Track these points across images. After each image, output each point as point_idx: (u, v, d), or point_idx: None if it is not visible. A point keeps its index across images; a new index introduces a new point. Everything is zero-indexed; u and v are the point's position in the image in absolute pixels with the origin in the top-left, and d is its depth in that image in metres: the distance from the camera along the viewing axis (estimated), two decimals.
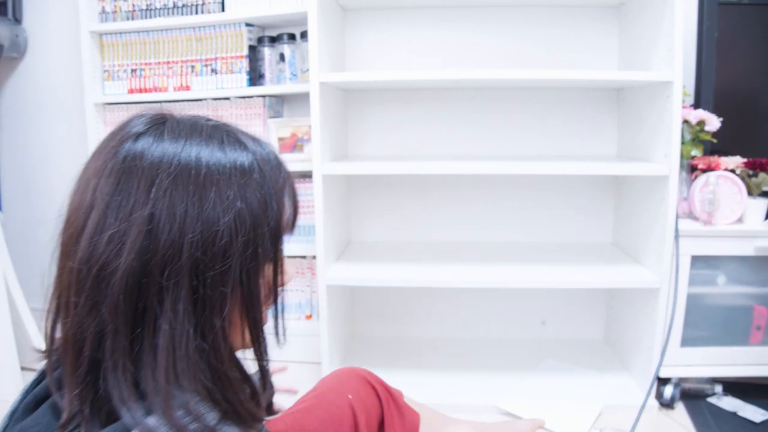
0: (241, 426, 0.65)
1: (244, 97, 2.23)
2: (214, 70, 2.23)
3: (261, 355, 0.72)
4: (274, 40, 2.22)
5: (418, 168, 1.88)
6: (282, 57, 2.21)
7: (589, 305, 2.33)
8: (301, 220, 2.21)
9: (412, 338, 2.39)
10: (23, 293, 2.13)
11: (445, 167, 1.87)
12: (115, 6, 2.29)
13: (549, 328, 2.36)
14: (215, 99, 2.25)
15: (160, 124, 0.68)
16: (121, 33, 2.30)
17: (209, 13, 2.20)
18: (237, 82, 2.21)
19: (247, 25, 2.19)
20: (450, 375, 2.07)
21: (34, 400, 0.71)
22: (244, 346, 0.71)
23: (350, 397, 1.18)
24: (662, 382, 1.89)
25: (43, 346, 0.71)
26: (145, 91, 2.30)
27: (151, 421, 0.59)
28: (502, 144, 2.25)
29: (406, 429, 1.27)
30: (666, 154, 1.78)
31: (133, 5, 2.27)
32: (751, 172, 1.88)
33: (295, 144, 2.21)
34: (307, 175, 2.17)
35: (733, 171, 1.86)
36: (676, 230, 1.80)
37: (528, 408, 1.84)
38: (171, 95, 2.27)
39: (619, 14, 2.15)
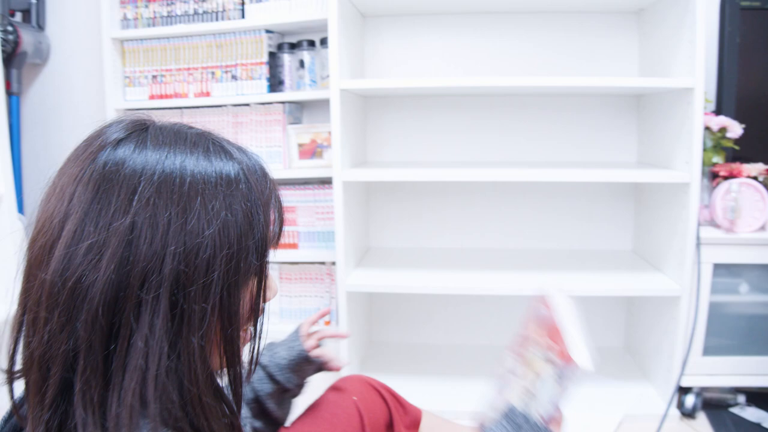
0: None
1: (263, 104, 2.23)
2: (234, 77, 2.24)
3: (235, 379, 0.68)
4: (293, 46, 2.24)
5: (438, 175, 1.88)
6: (302, 63, 2.22)
7: (609, 313, 2.31)
8: (320, 226, 2.23)
9: (430, 345, 2.38)
10: None
11: (464, 174, 1.87)
12: (136, 13, 2.31)
13: None
14: (235, 105, 2.26)
15: (142, 130, 0.66)
16: (142, 39, 2.32)
17: (229, 19, 2.21)
18: (257, 89, 2.22)
19: (267, 31, 2.20)
20: (467, 382, 2.06)
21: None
22: (221, 367, 0.67)
23: (355, 398, 1.19)
24: (683, 391, 1.87)
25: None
26: (166, 97, 2.32)
27: None
28: (521, 151, 2.25)
29: (409, 423, 1.29)
30: (687, 161, 1.76)
31: (154, 12, 2.29)
32: None
33: (315, 150, 2.22)
34: (326, 182, 2.18)
35: (755, 178, 1.84)
36: (698, 238, 1.78)
37: None
38: (191, 101, 2.29)
39: (639, 20, 2.14)
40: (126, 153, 0.62)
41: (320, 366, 1.21)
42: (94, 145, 0.64)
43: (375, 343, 2.40)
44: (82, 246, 0.58)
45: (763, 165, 1.86)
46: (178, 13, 2.27)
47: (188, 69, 2.29)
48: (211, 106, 2.28)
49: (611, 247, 2.28)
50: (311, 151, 2.22)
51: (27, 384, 0.61)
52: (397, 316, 2.40)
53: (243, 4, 2.20)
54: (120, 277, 0.58)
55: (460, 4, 2.13)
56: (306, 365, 1.17)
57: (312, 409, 1.17)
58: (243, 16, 2.21)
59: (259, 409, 1.14)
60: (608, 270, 2.02)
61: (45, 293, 0.59)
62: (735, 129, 1.88)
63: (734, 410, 1.89)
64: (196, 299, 0.60)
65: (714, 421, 1.83)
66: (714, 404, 1.92)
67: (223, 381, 0.67)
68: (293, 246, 2.27)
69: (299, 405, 1.20)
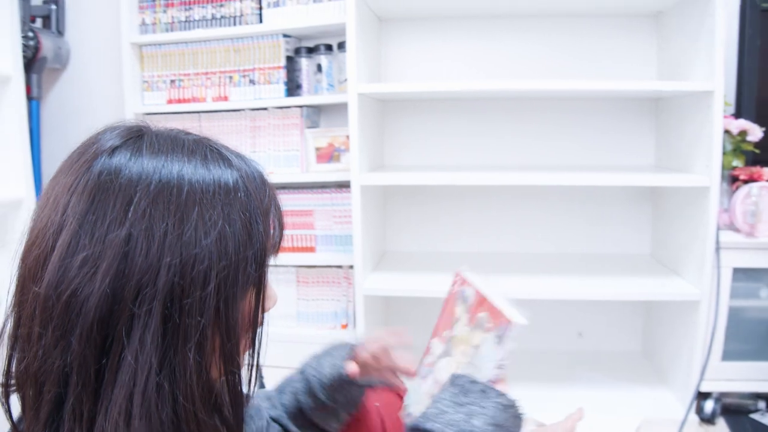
0: None
1: (281, 108, 2.25)
2: (252, 81, 2.25)
3: (235, 394, 0.65)
4: (311, 50, 2.25)
5: (454, 178, 1.88)
6: (319, 67, 2.23)
7: (626, 317, 2.30)
8: (337, 229, 2.23)
9: None
10: None
11: (481, 178, 1.87)
12: (154, 18, 2.33)
13: (586, 339, 2.33)
14: (253, 109, 2.27)
15: (138, 137, 0.63)
16: (160, 44, 2.34)
17: (247, 24, 2.23)
18: (275, 93, 2.23)
19: (285, 36, 2.21)
20: None
21: None
22: (220, 379, 0.64)
23: (377, 404, 1.18)
24: (702, 396, 1.86)
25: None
26: (184, 101, 2.34)
27: None
28: (538, 154, 2.24)
29: None
30: (707, 164, 1.75)
31: (173, 17, 2.31)
32: None
33: (332, 154, 2.22)
34: (343, 185, 2.18)
35: None
36: (717, 242, 1.77)
37: None
38: (209, 105, 2.30)
39: (658, 24, 2.13)
40: (121, 161, 0.60)
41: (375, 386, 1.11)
42: (89, 152, 0.62)
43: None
44: (76, 258, 0.56)
45: None
46: (196, 18, 2.29)
47: (206, 73, 2.31)
48: (229, 111, 2.30)
49: (629, 251, 2.27)
50: (329, 154, 2.23)
51: (23, 400, 0.60)
52: (413, 319, 2.40)
53: (261, 8, 2.22)
54: (115, 290, 0.56)
55: (476, 8, 2.13)
56: (350, 387, 1.05)
57: None
58: (261, 21, 2.22)
59: (304, 420, 1.06)
60: (626, 274, 2.01)
61: (39, 307, 0.57)
62: (755, 132, 1.86)
63: (755, 416, 1.87)
64: (191, 313, 0.58)
65: (734, 427, 1.82)
66: (733, 410, 1.90)
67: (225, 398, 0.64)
68: (310, 249, 2.28)
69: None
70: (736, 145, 1.88)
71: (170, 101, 2.35)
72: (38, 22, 2.52)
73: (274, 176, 2.21)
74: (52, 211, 0.59)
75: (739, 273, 1.81)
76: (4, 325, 0.62)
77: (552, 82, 1.84)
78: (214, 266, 0.59)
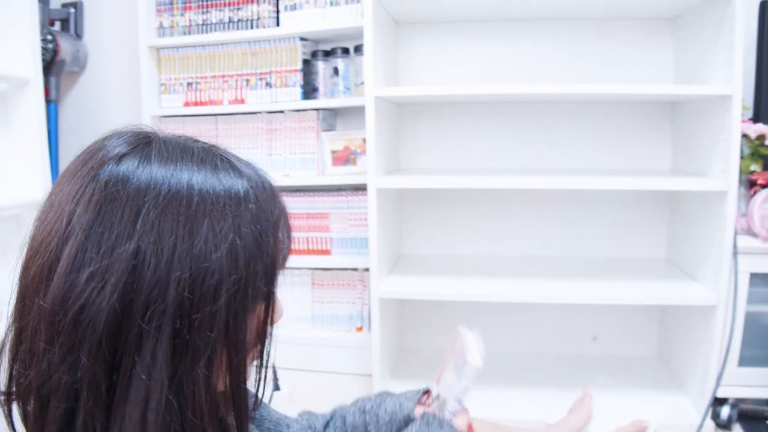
0: None
1: (298, 111, 2.25)
2: (268, 84, 2.27)
3: (240, 410, 0.64)
4: (328, 54, 2.25)
5: (471, 182, 1.89)
6: (336, 71, 2.24)
7: (641, 321, 2.29)
8: (353, 232, 2.24)
9: None
10: None
11: (497, 181, 1.87)
12: (172, 21, 2.35)
13: (600, 344, 2.32)
14: (269, 112, 2.28)
15: (146, 144, 0.62)
16: (177, 47, 2.36)
17: (264, 27, 2.24)
18: (291, 96, 2.24)
19: (302, 39, 2.23)
20: (498, 390, 2.05)
21: None
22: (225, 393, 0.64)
23: None
24: (718, 402, 1.85)
25: None
26: (201, 104, 2.35)
27: None
28: (554, 158, 2.24)
29: None
30: (724, 169, 1.74)
31: (190, 20, 2.33)
32: None
33: (348, 157, 2.23)
34: (359, 188, 2.19)
35: None
36: (735, 247, 1.76)
37: None
38: (226, 108, 2.32)
39: (675, 27, 2.12)
40: (129, 169, 0.58)
41: None
42: (95, 159, 0.60)
43: (406, 350, 2.40)
44: (84, 272, 0.55)
45: None
46: (214, 21, 2.30)
47: (223, 76, 2.32)
48: (246, 113, 2.31)
49: (645, 256, 2.26)
50: (345, 157, 2.24)
51: (24, 412, 0.59)
52: (428, 322, 2.40)
53: (278, 12, 2.23)
54: (123, 305, 0.55)
55: (493, 12, 2.13)
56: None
57: None
58: (278, 24, 2.23)
59: None
60: (642, 278, 2.01)
61: (44, 322, 0.55)
62: None
63: None
64: (200, 328, 0.57)
65: None
66: (750, 416, 1.89)
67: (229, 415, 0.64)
68: (326, 252, 2.28)
69: None
70: (754, 149, 1.88)
71: (187, 104, 2.37)
72: (57, 26, 2.54)
73: (290, 179, 2.23)
74: (55, 220, 0.58)
75: (757, 278, 1.80)
76: (6, 337, 0.61)
77: (568, 86, 1.84)
78: (224, 281, 0.58)
